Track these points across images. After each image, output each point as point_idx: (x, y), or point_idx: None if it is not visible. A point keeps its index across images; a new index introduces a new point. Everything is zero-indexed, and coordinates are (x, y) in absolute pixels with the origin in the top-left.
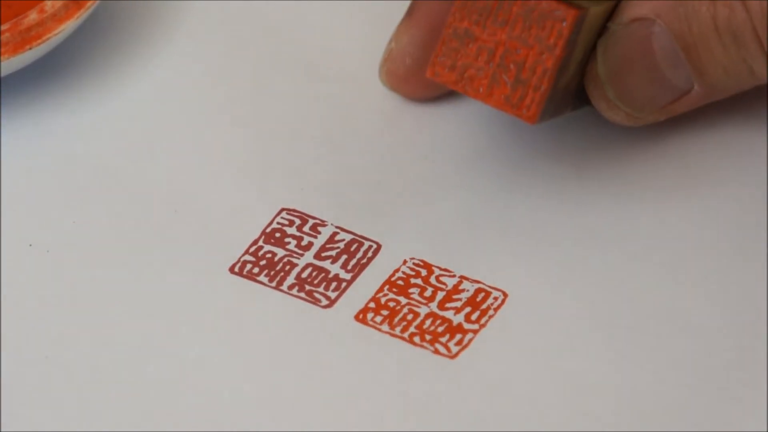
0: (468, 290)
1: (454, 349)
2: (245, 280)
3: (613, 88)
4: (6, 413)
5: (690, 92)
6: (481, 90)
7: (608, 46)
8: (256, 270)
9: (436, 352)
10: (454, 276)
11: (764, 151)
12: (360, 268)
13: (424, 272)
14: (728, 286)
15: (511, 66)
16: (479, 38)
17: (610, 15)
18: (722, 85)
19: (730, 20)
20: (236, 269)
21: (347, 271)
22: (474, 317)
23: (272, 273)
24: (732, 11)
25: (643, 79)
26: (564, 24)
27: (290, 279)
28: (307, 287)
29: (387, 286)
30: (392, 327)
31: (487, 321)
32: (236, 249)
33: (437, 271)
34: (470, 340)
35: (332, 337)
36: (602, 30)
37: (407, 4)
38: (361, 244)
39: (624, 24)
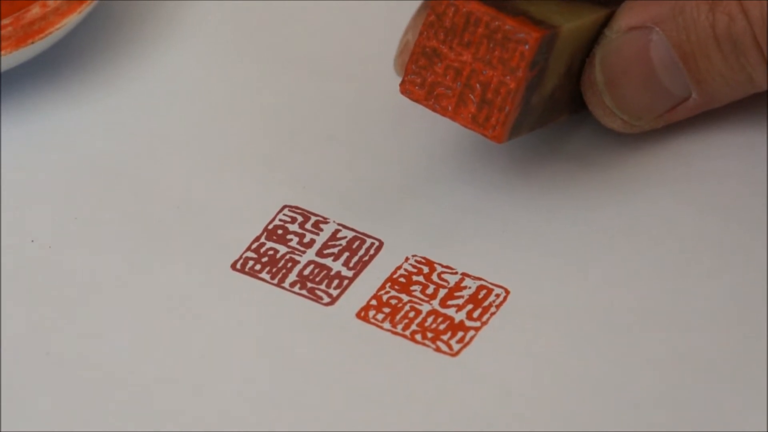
0: (470, 287)
1: (456, 346)
2: (247, 277)
3: (611, 95)
4: (6, 411)
5: (688, 100)
6: (449, 108)
7: (606, 54)
8: (258, 267)
9: (438, 349)
10: (456, 273)
11: (764, 149)
12: (362, 265)
13: (426, 269)
14: (729, 286)
15: (477, 86)
16: (446, 58)
17: (606, 22)
18: (721, 93)
19: (729, 29)
20: (238, 266)
21: (349, 269)
22: (476, 315)
23: (274, 270)
24: (731, 19)
25: (640, 88)
26: (526, 47)
27: (292, 276)
28: (309, 284)
29: (389, 284)
30: (394, 324)
31: (489, 318)
32: (238, 246)
33: (439, 269)
34: (472, 338)
35: (334, 334)
36: (599, 37)
37: (410, 3)
38: (363, 242)
39: (622, 32)
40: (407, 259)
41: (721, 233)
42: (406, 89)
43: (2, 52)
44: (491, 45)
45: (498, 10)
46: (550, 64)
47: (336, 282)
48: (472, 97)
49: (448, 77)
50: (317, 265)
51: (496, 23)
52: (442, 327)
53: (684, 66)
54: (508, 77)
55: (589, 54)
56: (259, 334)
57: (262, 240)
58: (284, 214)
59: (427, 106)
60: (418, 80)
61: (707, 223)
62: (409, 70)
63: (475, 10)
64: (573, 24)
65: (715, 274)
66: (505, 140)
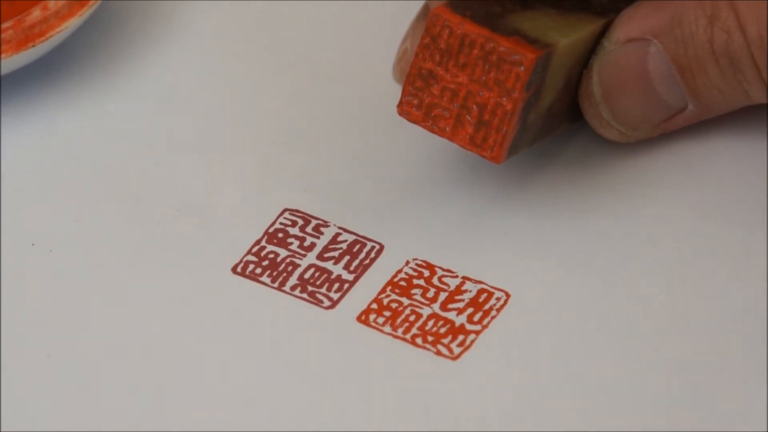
0: (470, 291)
1: (457, 350)
2: (248, 281)
3: (608, 107)
4: (6, 413)
5: (684, 111)
6: (447, 129)
7: (603, 66)
8: (258, 270)
9: (439, 353)
10: (456, 276)
11: (764, 154)
12: (362, 268)
13: (426, 273)
14: (728, 290)
15: (474, 107)
16: (443, 79)
17: (602, 32)
18: (717, 105)
19: (727, 45)
20: (239, 269)
21: (350, 272)
22: (476, 318)
23: (275, 273)
24: (729, 36)
25: (637, 99)
26: (521, 68)
27: (293, 280)
28: (310, 288)
29: (389, 287)
30: (394, 328)
31: (489, 322)
32: (239, 249)
33: (440, 272)
34: (472, 341)
35: (334, 338)
36: (596, 47)
37: (410, 4)
38: (363, 245)
39: (619, 43)
40: (408, 262)
41: (720, 238)
42: (403, 110)
43: (3, 56)
44: (487, 66)
45: (492, 31)
46: (547, 81)
47: (336, 285)
48: (469, 118)
49: (444, 99)
50: (318, 268)
51: (491, 45)
52: (442, 330)
53: (681, 78)
54: (504, 98)
55: (586, 65)
56: (260, 338)
57: (263, 243)
58: (285, 218)
59: (424, 127)
60: (415, 101)
61: (706, 227)
62: (406, 91)
63: (470, 32)
64: (569, 40)
65: (715, 279)
66: (503, 160)
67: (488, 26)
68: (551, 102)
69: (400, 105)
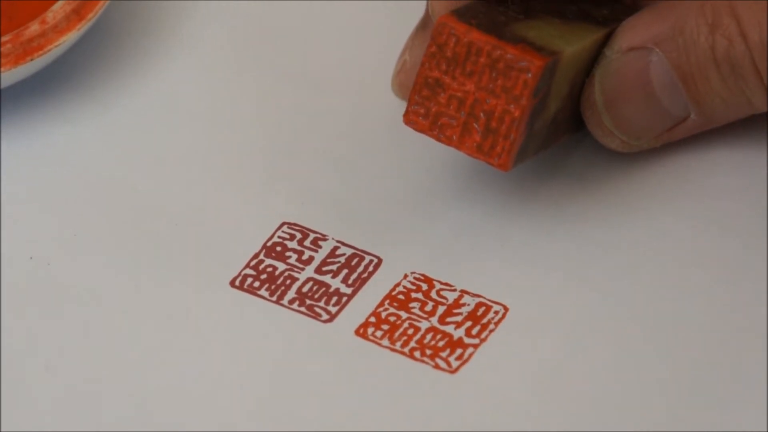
0: (469, 304)
1: (455, 363)
2: (246, 294)
3: (610, 116)
4: (5, 425)
5: (687, 120)
6: (454, 138)
7: (605, 75)
8: (256, 284)
9: (437, 366)
10: (454, 290)
11: (764, 165)
12: (361, 282)
13: (424, 286)
14: (728, 301)
15: (481, 115)
16: (449, 87)
17: (605, 41)
18: (719, 113)
19: (728, 52)
20: (237, 283)
21: (348, 286)
22: (475, 332)
23: (273, 287)
24: (731, 43)
25: (640, 108)
26: (529, 75)
27: (291, 293)
28: (308, 301)
29: (387, 301)
30: (393, 341)
31: (487, 335)
32: (237, 262)
33: (438, 286)
34: (471, 355)
35: (332, 351)
36: (599, 57)
37: (409, 16)
38: (362, 259)
39: (621, 52)
40: (406, 276)
41: (720, 249)
42: (410, 120)
43: (2, 69)
44: (494, 74)
45: (498, 39)
46: (553, 88)
47: (335, 299)
48: (476, 126)
49: (451, 107)
50: (316, 282)
51: (498, 52)
52: (441, 344)
53: (683, 86)
54: (512, 105)
55: (589, 74)
56: (258, 352)
57: (261, 257)
58: (283, 231)
59: (431, 136)
60: (422, 111)
61: (706, 239)
62: (413, 100)
63: (476, 40)
64: (574, 48)
65: (715, 290)
66: (510, 168)
67: (494, 34)
68: (556, 111)
69: (406, 114)
